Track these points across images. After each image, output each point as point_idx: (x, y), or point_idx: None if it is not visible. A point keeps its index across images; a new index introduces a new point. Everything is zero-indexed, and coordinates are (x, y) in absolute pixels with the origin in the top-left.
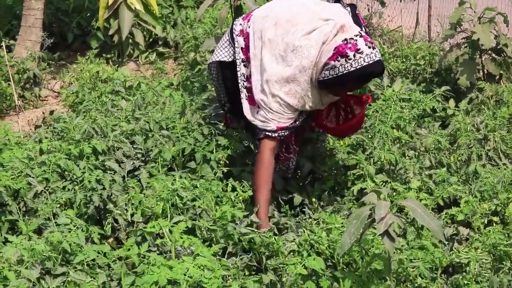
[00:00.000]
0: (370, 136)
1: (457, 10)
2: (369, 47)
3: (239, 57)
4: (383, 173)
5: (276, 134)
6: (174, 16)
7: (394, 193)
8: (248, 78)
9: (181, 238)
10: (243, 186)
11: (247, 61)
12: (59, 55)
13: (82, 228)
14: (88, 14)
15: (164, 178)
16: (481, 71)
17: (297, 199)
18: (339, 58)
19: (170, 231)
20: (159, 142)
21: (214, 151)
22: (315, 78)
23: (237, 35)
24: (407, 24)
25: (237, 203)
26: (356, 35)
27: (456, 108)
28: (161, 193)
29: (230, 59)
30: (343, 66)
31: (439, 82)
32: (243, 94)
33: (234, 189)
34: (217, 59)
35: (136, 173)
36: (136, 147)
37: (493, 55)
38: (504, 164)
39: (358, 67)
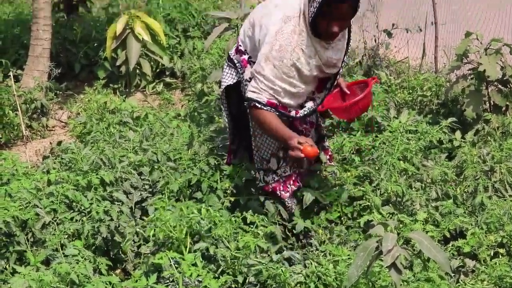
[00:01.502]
0: (377, 168)
1: (464, 41)
2: None
3: (240, 66)
4: (390, 204)
5: (266, 108)
6: (181, 46)
7: (401, 225)
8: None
9: (189, 269)
10: (263, 219)
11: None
12: (67, 85)
13: (90, 259)
14: (96, 44)
15: (177, 206)
16: (487, 102)
17: (300, 225)
18: None
19: (179, 263)
20: (166, 173)
21: (219, 180)
22: (307, 23)
23: (233, 55)
24: (414, 55)
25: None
26: None
27: (463, 140)
28: (179, 221)
29: (235, 80)
30: None
31: (446, 113)
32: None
33: (251, 222)
34: (224, 86)
35: (143, 204)
36: (144, 178)
37: (500, 86)
38: (510, 196)
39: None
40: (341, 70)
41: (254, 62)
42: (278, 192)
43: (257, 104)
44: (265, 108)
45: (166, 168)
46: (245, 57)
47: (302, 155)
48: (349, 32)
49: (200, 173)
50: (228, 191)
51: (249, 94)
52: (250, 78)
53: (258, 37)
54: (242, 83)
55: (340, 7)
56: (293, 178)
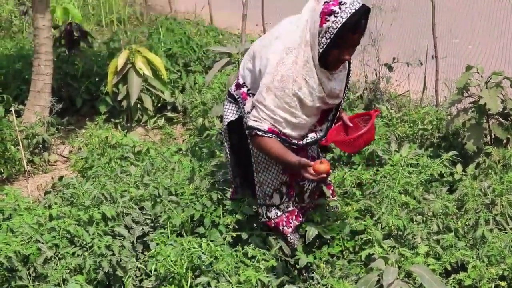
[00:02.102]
0: (378, 202)
1: (464, 75)
2: None
3: (241, 100)
4: (391, 238)
5: (268, 135)
6: (182, 81)
7: (402, 259)
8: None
9: None
10: (264, 254)
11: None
12: (68, 120)
13: None
14: (97, 79)
15: (179, 240)
16: (488, 135)
17: (303, 260)
18: (327, 17)
19: None
20: (167, 208)
21: (222, 216)
22: (316, 54)
23: (234, 90)
24: (415, 88)
25: (260, 269)
26: None
27: (464, 173)
28: (180, 256)
29: (236, 116)
30: (334, 22)
31: (447, 146)
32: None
33: (253, 256)
34: (226, 122)
35: (145, 238)
36: (145, 213)
37: (500, 119)
38: (511, 228)
39: (348, 16)
40: (342, 102)
41: (253, 95)
42: (281, 228)
43: (258, 132)
44: (266, 135)
45: (168, 203)
46: (244, 90)
47: (313, 173)
48: (349, 62)
49: (202, 208)
50: (230, 226)
51: (250, 123)
52: (252, 110)
53: (259, 68)
54: (244, 117)
55: (352, 37)
56: (296, 213)
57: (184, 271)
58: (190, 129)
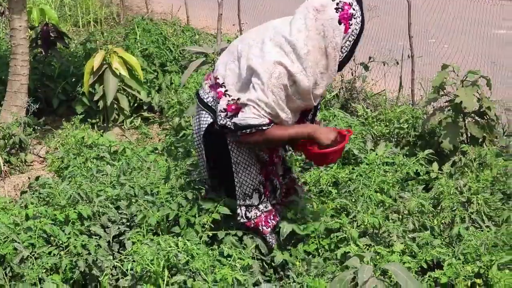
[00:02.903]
0: (353, 200)
1: (440, 73)
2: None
3: (212, 100)
4: (367, 236)
5: (271, 126)
6: (158, 81)
7: (378, 257)
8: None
9: None
10: (240, 252)
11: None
12: (45, 120)
13: None
14: (73, 80)
15: (155, 239)
16: (464, 134)
17: (278, 258)
18: (350, 22)
19: None
20: (143, 207)
21: (197, 215)
22: (332, 63)
23: (207, 93)
24: (391, 87)
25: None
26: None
27: (440, 171)
28: (156, 255)
29: (211, 121)
30: (356, 24)
31: (423, 145)
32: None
33: (229, 255)
34: (202, 132)
35: (121, 238)
36: (121, 212)
37: (476, 118)
38: (487, 226)
39: (361, 13)
40: (318, 105)
41: (229, 95)
42: (260, 228)
43: (263, 127)
44: (270, 126)
45: (143, 202)
46: (222, 90)
47: (335, 133)
48: None
49: (178, 207)
50: (206, 226)
51: (250, 121)
52: (225, 109)
53: (245, 67)
54: (217, 115)
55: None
56: (273, 213)
57: (161, 269)
58: (166, 128)
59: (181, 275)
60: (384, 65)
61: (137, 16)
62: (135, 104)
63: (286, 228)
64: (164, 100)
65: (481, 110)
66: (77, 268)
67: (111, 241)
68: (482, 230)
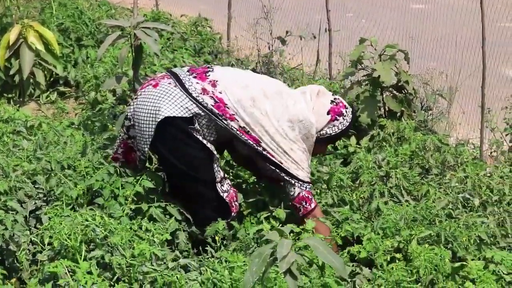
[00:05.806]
0: None
1: (358, 47)
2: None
3: (211, 112)
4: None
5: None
6: (75, 55)
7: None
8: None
9: (84, 277)
10: (159, 227)
11: (229, 119)
12: None
13: None
14: None
15: (73, 214)
16: (382, 108)
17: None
18: (338, 117)
19: (74, 271)
20: (62, 181)
21: (120, 187)
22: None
23: (200, 93)
24: (308, 61)
25: (154, 242)
26: (333, 95)
27: (358, 146)
28: (74, 229)
29: (189, 114)
30: (341, 123)
31: None
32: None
33: (147, 230)
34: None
35: (38, 212)
36: (38, 187)
37: (394, 92)
38: (406, 201)
39: (350, 121)
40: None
41: (237, 120)
42: (233, 204)
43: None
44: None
45: (62, 176)
46: (232, 115)
47: None
48: None
49: (101, 179)
50: (129, 199)
51: (307, 179)
52: (247, 132)
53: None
54: (224, 121)
55: (337, 140)
56: (235, 194)
57: (78, 244)
58: (82, 103)
59: (99, 250)
60: (301, 39)
61: None
62: (51, 79)
63: None
64: (80, 75)
65: (399, 84)
66: None
67: (28, 216)
68: (401, 205)
